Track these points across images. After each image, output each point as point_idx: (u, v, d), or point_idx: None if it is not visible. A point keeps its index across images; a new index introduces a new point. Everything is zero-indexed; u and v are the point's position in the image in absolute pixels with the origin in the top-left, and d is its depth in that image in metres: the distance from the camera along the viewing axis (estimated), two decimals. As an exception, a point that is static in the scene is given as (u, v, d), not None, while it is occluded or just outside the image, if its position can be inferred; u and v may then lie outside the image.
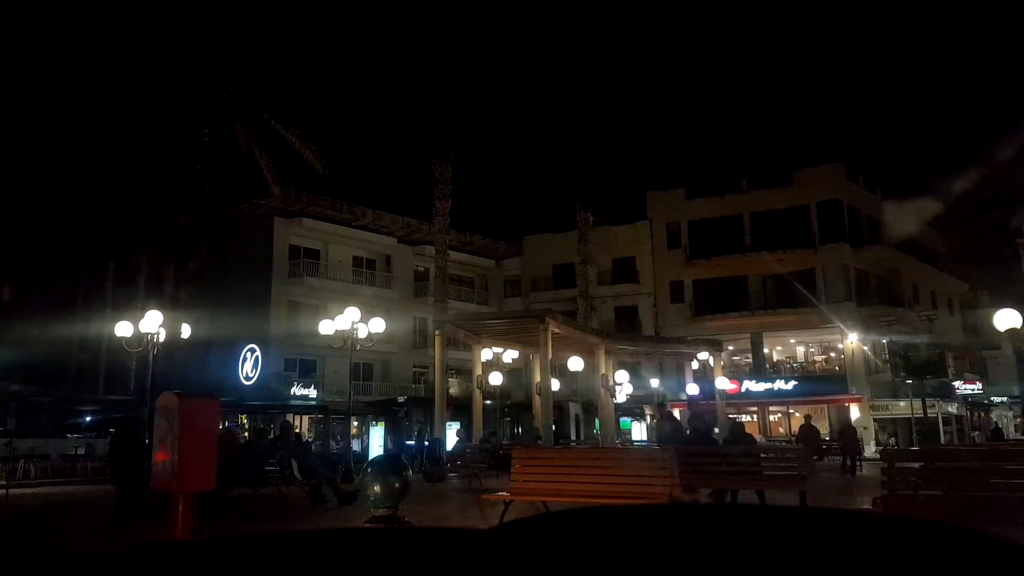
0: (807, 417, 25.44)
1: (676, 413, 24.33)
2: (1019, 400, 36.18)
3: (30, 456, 21.90)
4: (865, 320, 37.55)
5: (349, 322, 20.08)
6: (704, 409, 18.83)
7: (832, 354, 40.75)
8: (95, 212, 31.48)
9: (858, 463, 23.33)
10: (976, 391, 39.42)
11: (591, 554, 1.10)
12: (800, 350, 42.51)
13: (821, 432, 29.37)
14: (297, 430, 27.79)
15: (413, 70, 64.48)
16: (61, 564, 1.18)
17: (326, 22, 64.35)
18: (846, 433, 25.06)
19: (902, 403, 34.86)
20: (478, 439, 24.70)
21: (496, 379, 27.70)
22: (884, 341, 37.89)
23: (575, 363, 29.89)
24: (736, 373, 38.91)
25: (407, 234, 41.33)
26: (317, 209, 37.23)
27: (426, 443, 25.41)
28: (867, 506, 9.11)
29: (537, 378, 25.96)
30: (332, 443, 32.09)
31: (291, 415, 30.26)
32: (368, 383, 37.66)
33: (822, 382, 38.74)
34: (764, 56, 77.77)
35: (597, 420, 34.01)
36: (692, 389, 32.99)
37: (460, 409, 30.39)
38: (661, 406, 20.39)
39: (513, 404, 35.08)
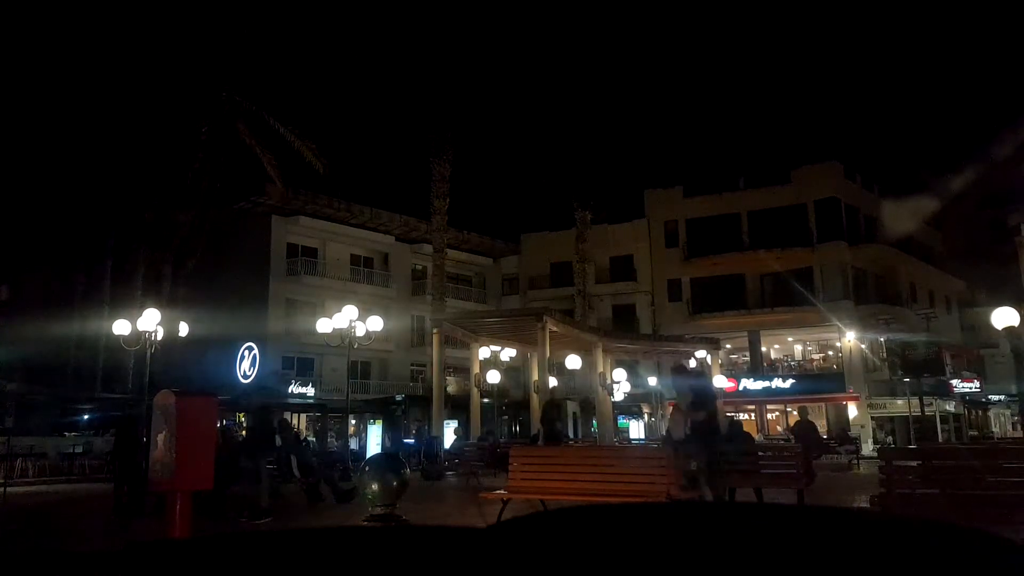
0: (673, 407, 22.10)
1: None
2: (1016, 398, 36.22)
3: (28, 454, 21.91)
4: (863, 318, 37.56)
5: (347, 320, 20.06)
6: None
7: (830, 352, 40.78)
8: (92, 210, 31.41)
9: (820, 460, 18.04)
10: (974, 389, 39.47)
11: (588, 552, 1.10)
12: (798, 348, 42.54)
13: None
14: (295, 428, 27.77)
15: (411, 68, 64.33)
16: (61, 564, 1.18)
17: (325, 21, 64.26)
18: (798, 430, 18.72)
19: (900, 401, 34.84)
20: (476, 437, 24.73)
21: (494, 377, 27.72)
22: (882, 339, 37.90)
23: (573, 361, 29.90)
24: (734, 371, 38.94)
25: (405, 232, 41.30)
26: (315, 207, 37.20)
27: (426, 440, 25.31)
28: (864, 504, 9.12)
29: (535, 376, 26.00)
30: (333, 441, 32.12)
31: (289, 413, 30.23)
32: (366, 381, 37.66)
33: (820, 380, 38.73)
34: (762, 55, 77.85)
35: (595, 419, 34.07)
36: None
37: (458, 407, 30.39)
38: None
39: (511, 402, 35.11)
